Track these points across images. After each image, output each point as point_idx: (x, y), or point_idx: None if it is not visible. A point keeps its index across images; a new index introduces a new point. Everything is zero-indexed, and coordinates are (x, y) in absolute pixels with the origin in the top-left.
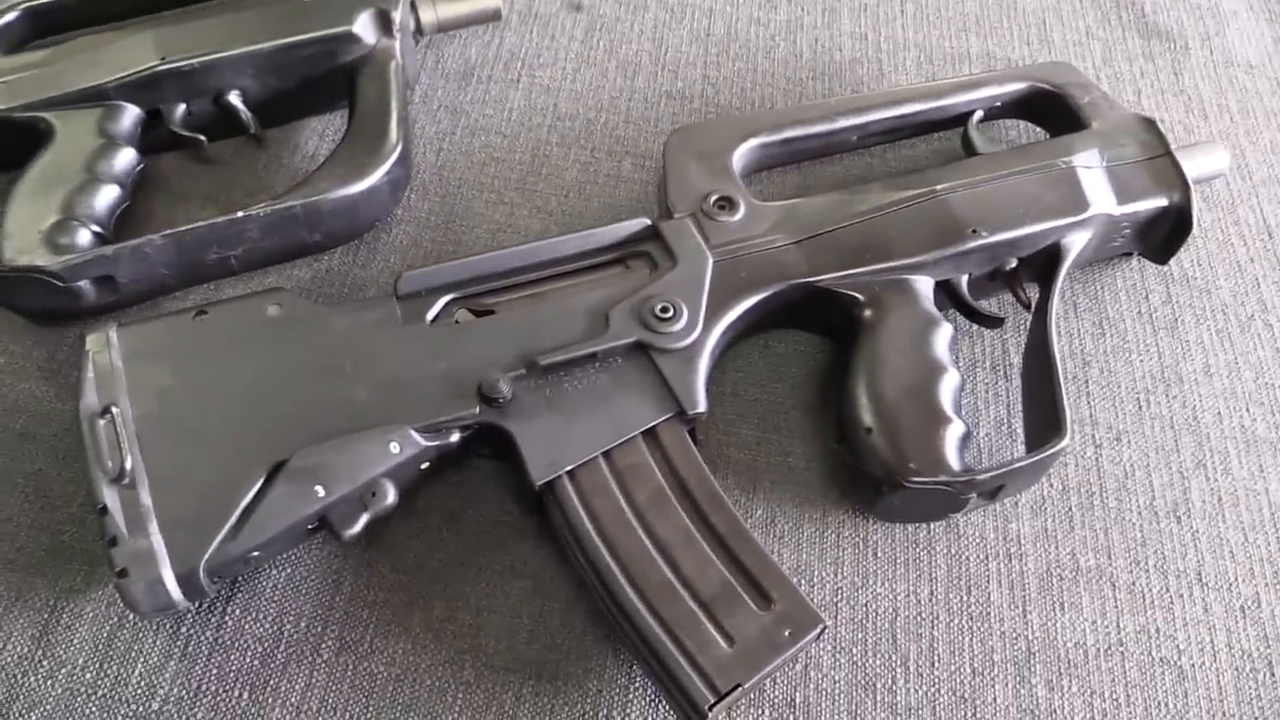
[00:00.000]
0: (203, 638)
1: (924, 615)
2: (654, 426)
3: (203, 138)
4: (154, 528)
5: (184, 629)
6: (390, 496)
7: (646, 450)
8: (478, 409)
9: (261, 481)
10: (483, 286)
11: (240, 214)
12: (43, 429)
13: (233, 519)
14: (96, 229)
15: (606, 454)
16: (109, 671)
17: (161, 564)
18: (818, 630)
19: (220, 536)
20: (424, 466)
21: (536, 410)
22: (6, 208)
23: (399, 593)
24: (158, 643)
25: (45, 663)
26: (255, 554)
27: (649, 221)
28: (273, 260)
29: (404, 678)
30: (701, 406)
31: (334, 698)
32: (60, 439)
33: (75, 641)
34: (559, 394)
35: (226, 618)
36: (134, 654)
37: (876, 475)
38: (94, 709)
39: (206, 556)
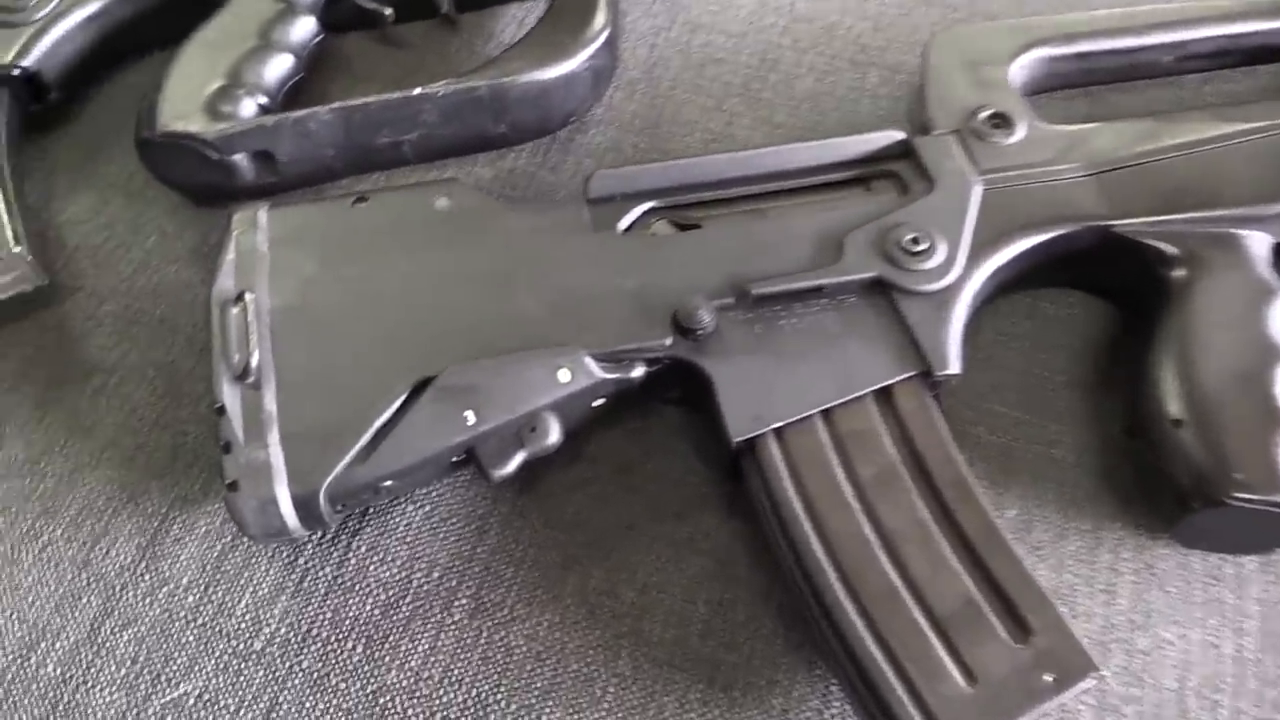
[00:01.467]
0: (321, 574)
1: (1226, 678)
2: (889, 386)
3: (389, 11)
4: (274, 437)
5: (302, 560)
6: (553, 434)
7: (877, 415)
8: (670, 340)
9: (404, 398)
10: (691, 197)
11: (417, 91)
12: (182, 318)
13: (365, 438)
14: (263, 100)
15: (826, 414)
16: (213, 597)
17: (277, 481)
18: (1090, 679)
19: (349, 457)
20: (597, 403)
21: (743, 349)
22: (170, 70)
23: (552, 552)
24: (271, 572)
25: (147, 576)
26: (388, 484)
27: (902, 135)
28: (452, 151)
29: (545, 656)
30: (954, 367)
31: (460, 668)
32: (200, 330)
33: (182, 558)
34: (772, 333)
35: (350, 555)
36: (243, 581)
37: (1183, 483)
38: (191, 637)
39: (330, 479)
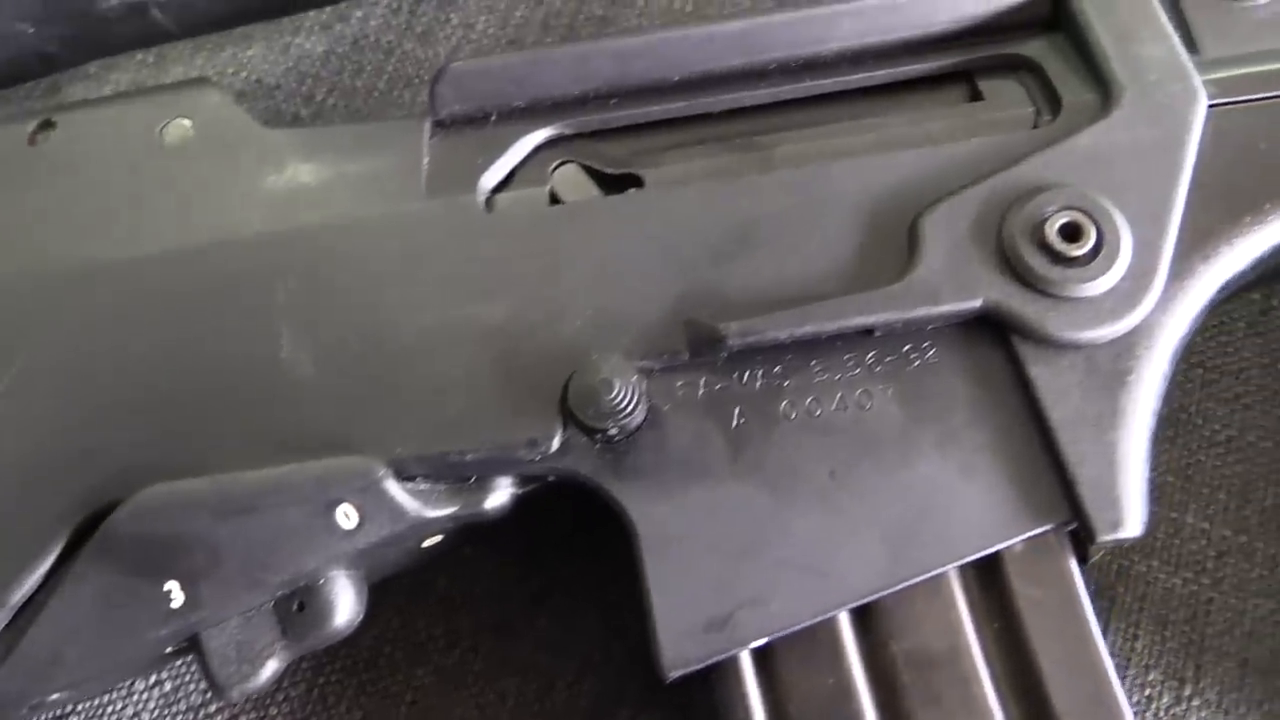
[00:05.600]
0: None
1: None
2: (998, 556)
3: None
4: None
5: None
6: (341, 611)
7: (969, 618)
8: (557, 439)
9: (61, 549)
10: (628, 112)
11: None
12: None
13: None
14: None
15: (862, 616)
16: None
17: None
18: None
19: None
20: (430, 543)
21: (700, 469)
22: None
23: None
24: None
25: None
26: (53, 696)
27: None
28: (246, 13)
29: None
30: (1133, 522)
31: None
32: None
33: None
34: (763, 432)
35: None
36: None
37: None
38: None
39: None
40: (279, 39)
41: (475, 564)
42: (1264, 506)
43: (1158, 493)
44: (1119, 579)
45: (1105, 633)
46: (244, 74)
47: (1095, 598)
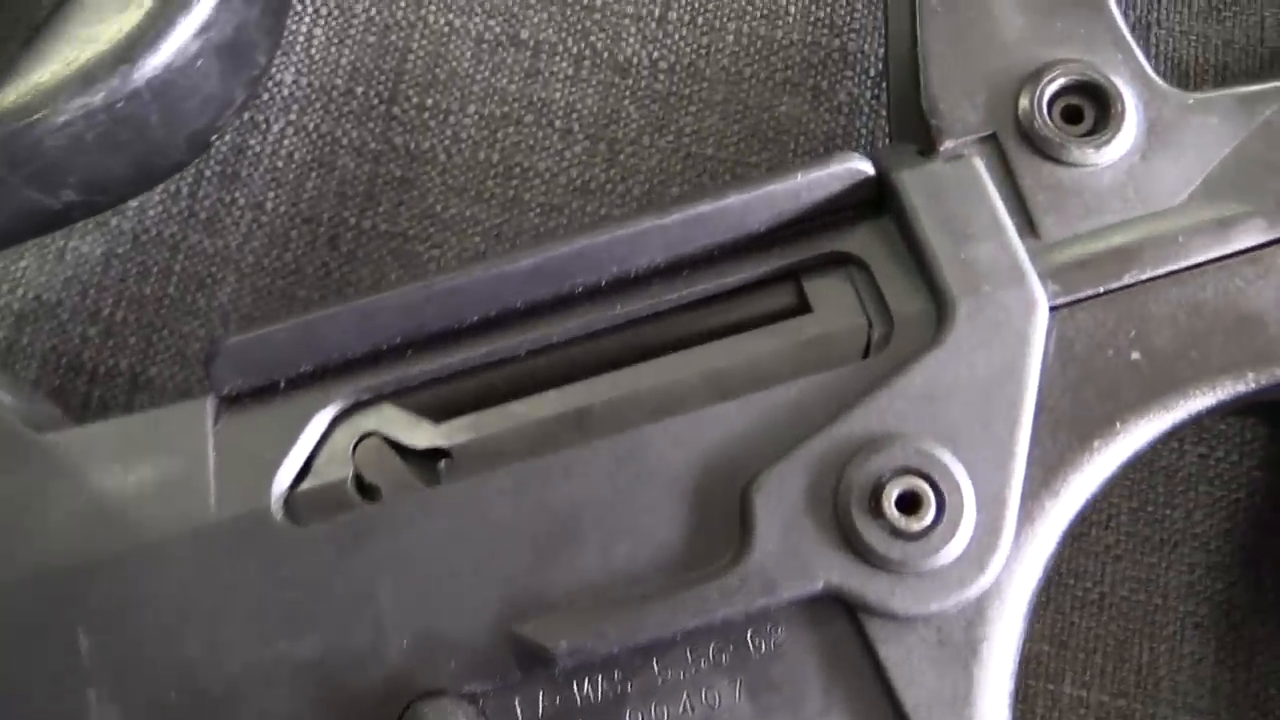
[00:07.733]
0: None
1: None
2: None
3: None
4: None
5: None
6: None
7: None
8: None
9: None
10: (424, 366)
11: None
12: None
13: None
14: None
15: None
16: None
17: None
18: None
19: None
20: None
21: None
22: None
23: None
24: None
25: None
26: None
27: (867, 168)
28: (6, 240)
29: None
30: None
31: None
32: None
33: None
34: None
35: None
36: None
37: None
38: None
39: None
40: (52, 244)
41: None
42: (1140, 665)
43: (1034, 665)
44: None
45: None
46: (20, 291)
47: None
